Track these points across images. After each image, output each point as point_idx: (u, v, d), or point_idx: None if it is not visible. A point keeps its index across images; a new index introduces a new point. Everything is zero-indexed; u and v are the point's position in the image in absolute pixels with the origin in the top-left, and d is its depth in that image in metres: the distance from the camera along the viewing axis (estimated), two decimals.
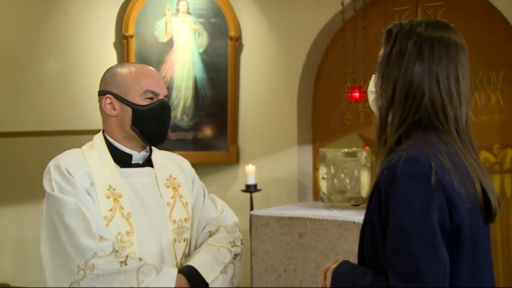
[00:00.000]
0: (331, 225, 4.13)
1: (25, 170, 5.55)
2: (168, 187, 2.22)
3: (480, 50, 4.78)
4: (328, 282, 1.71)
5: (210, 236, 2.24)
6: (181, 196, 2.23)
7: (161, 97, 2.17)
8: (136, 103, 2.13)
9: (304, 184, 5.46)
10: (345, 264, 1.70)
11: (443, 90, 1.61)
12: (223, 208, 2.32)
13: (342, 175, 4.50)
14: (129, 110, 2.13)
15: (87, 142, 2.23)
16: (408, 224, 1.49)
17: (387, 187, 1.54)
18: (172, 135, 5.47)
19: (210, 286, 2.08)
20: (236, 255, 2.21)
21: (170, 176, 2.24)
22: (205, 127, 5.59)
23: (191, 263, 2.11)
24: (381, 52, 1.70)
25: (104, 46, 5.60)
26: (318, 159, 5.00)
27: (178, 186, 2.24)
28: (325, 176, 4.58)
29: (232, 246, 2.21)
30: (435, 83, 1.61)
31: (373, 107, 1.75)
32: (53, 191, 2.02)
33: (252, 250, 4.48)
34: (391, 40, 1.66)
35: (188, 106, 5.57)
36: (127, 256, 1.99)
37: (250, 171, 5.00)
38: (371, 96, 1.75)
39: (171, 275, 2.04)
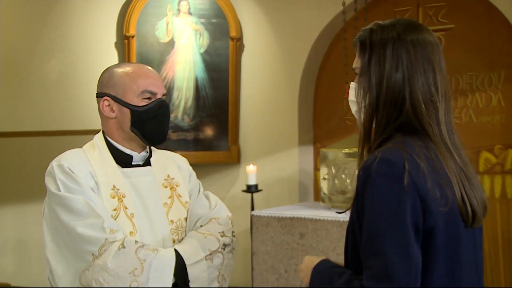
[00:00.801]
0: (332, 225, 4.13)
1: (26, 170, 5.55)
2: (166, 187, 2.21)
3: (481, 50, 4.78)
4: (306, 280, 1.72)
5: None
6: (180, 196, 2.23)
7: (159, 96, 2.15)
8: (134, 104, 2.11)
9: (305, 184, 5.46)
10: (324, 263, 1.71)
11: (423, 95, 1.61)
12: (216, 203, 2.31)
13: (343, 176, 4.50)
14: (127, 112, 2.12)
15: (88, 142, 2.23)
16: (380, 224, 1.50)
17: (362, 187, 1.56)
18: (173, 135, 5.48)
19: (189, 269, 2.06)
20: (225, 245, 2.17)
21: (168, 176, 2.24)
22: (206, 127, 5.59)
23: (175, 247, 2.11)
24: (358, 63, 1.69)
25: (105, 46, 5.60)
26: (319, 160, 4.99)
27: (177, 186, 2.24)
28: (326, 176, 4.58)
29: (222, 236, 2.17)
30: (414, 89, 1.60)
31: (357, 116, 1.74)
32: (59, 190, 2.02)
33: (253, 250, 4.48)
34: (367, 50, 1.65)
35: (189, 106, 5.57)
36: (123, 239, 2.00)
37: (251, 172, 5.00)
38: (353, 106, 1.74)
39: (170, 252, 2.07)
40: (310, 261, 1.75)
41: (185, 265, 2.06)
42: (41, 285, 5.10)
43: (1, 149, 5.59)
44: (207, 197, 2.32)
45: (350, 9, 4.91)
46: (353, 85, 1.73)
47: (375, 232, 1.51)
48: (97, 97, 2.18)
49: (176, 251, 2.08)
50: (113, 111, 2.13)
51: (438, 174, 1.56)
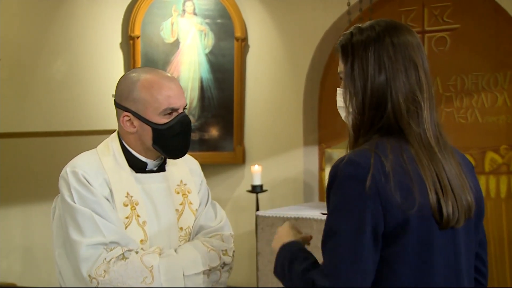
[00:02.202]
0: None
1: (31, 171, 5.56)
2: (178, 193, 2.19)
3: (487, 50, 4.77)
4: (274, 249, 1.79)
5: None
6: (191, 203, 2.21)
7: (180, 110, 2.09)
8: (156, 122, 2.06)
9: (310, 184, 5.46)
10: (293, 243, 1.76)
11: (404, 94, 1.61)
12: (222, 218, 2.29)
13: None
14: (148, 129, 2.07)
15: (95, 143, 2.19)
16: (336, 223, 1.55)
17: (328, 187, 1.60)
18: None
19: (185, 280, 2.05)
20: (225, 264, 2.16)
21: (181, 181, 2.22)
22: (211, 127, 5.59)
23: (178, 250, 2.11)
24: (342, 68, 1.70)
25: (110, 47, 5.61)
26: (324, 160, 4.99)
27: (188, 192, 2.22)
28: None
29: (223, 254, 2.16)
30: (396, 89, 1.61)
31: (347, 121, 1.75)
32: (73, 199, 2.00)
33: (258, 251, 4.48)
34: (349, 55, 1.66)
35: (194, 107, 5.57)
36: (123, 253, 1.99)
37: (256, 172, 5.00)
38: (342, 112, 1.75)
39: (173, 252, 2.08)
40: (285, 235, 1.81)
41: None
42: (47, 286, 5.11)
43: (6, 149, 5.60)
44: (213, 208, 2.30)
45: (355, 10, 4.91)
46: (339, 91, 1.73)
47: (332, 230, 1.55)
48: (116, 107, 2.13)
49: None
50: (134, 127, 2.09)
51: (408, 177, 1.56)
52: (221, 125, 5.58)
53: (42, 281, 5.39)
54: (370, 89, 1.62)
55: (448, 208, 1.58)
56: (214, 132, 5.59)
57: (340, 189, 1.56)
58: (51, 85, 5.63)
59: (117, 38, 5.62)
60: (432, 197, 1.57)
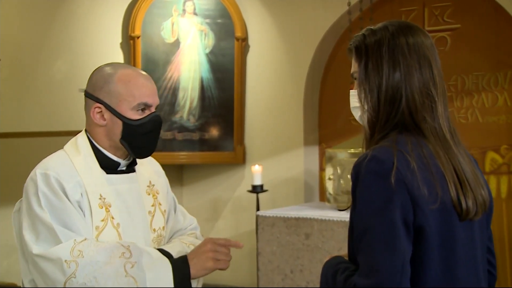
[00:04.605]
0: (337, 225, 4.13)
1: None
2: (149, 194, 2.18)
3: (488, 50, 4.77)
4: None
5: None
6: (160, 204, 2.21)
7: (153, 108, 2.07)
8: (128, 116, 2.03)
9: (310, 184, 5.46)
10: (335, 258, 1.76)
11: (418, 90, 1.64)
12: (192, 220, 2.34)
13: (349, 176, 4.49)
14: (119, 123, 2.04)
15: (69, 143, 2.15)
16: (367, 220, 1.54)
17: (353, 185, 1.61)
18: (178, 136, 5.47)
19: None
20: None
21: (150, 182, 2.20)
22: (211, 127, 5.59)
23: (162, 247, 2.11)
24: (356, 68, 1.72)
25: (111, 47, 5.61)
26: (324, 160, 4.99)
27: (157, 193, 2.21)
28: (331, 176, 4.58)
29: None
30: (410, 85, 1.63)
31: (362, 122, 1.77)
32: (40, 204, 1.97)
33: (258, 251, 4.48)
34: (363, 55, 1.68)
35: (194, 107, 5.57)
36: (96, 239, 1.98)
37: (256, 172, 5.00)
38: (357, 112, 1.76)
39: (156, 251, 2.05)
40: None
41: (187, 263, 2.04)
42: None
43: (7, 149, 5.60)
44: (182, 213, 2.34)
45: (356, 9, 4.91)
46: (353, 92, 1.76)
47: (363, 228, 1.54)
48: (87, 96, 2.09)
49: (168, 253, 2.08)
50: (104, 120, 2.05)
51: (429, 172, 1.57)
52: (221, 125, 5.58)
53: None
54: (385, 86, 1.64)
55: (468, 201, 1.60)
56: (214, 132, 5.59)
57: (366, 186, 1.56)
58: (51, 85, 5.63)
59: (118, 38, 5.62)
60: (453, 191, 1.59)
